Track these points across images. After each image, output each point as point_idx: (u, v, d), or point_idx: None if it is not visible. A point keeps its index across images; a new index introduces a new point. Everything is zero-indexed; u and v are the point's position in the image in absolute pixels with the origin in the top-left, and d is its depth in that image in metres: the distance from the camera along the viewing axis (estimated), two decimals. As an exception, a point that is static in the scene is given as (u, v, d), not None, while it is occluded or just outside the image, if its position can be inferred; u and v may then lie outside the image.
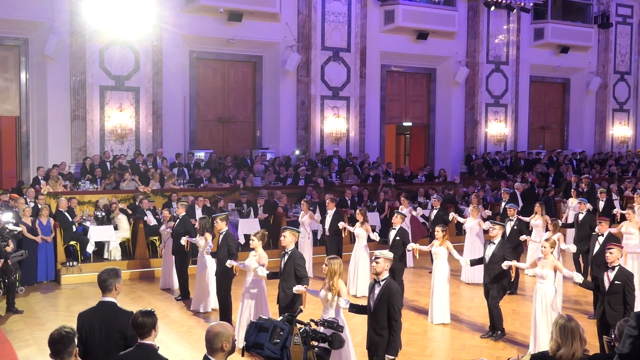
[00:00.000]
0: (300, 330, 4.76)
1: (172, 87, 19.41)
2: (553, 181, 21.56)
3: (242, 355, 6.09)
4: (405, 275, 12.32)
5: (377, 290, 6.83)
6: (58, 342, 4.59)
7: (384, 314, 6.70)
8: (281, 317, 4.84)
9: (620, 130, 27.76)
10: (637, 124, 28.34)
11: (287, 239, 8.69)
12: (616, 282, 8.09)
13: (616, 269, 8.22)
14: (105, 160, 17.66)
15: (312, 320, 5.27)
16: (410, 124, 25.04)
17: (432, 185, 19.37)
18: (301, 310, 5.50)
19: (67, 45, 17.91)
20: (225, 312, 10.26)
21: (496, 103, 24.69)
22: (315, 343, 4.92)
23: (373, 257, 7.08)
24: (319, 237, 16.04)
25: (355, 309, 7.17)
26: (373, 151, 22.46)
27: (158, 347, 5.09)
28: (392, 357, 6.67)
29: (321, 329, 5.36)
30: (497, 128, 24.65)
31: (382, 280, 6.84)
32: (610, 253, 8.35)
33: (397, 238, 11.54)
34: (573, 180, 18.69)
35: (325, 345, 4.98)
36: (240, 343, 8.07)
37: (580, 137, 27.49)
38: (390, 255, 7.13)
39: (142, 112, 18.66)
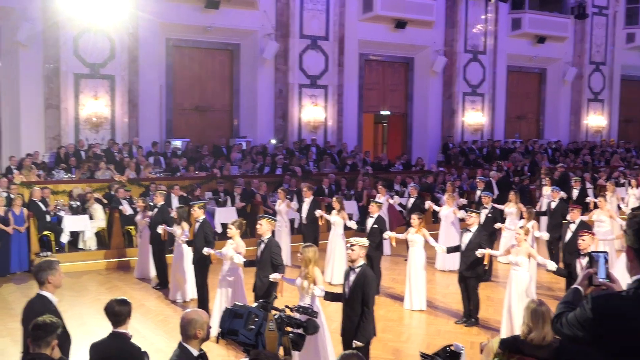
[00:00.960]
0: (275, 317, 4.76)
1: (149, 75, 19.24)
2: (528, 170, 21.76)
3: (217, 342, 6.09)
4: (382, 262, 12.38)
5: (352, 277, 6.85)
6: (40, 328, 4.56)
7: (359, 302, 6.72)
8: (256, 304, 4.83)
9: (594, 120, 28.06)
10: (611, 114, 28.67)
11: (264, 227, 8.69)
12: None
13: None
14: (80, 149, 17.48)
15: (286, 307, 5.28)
16: (388, 112, 25.10)
17: (410, 174, 19.47)
18: (276, 297, 5.51)
19: (40, 32, 17.65)
20: (202, 301, 10.25)
21: (473, 92, 24.81)
22: (290, 329, 4.93)
23: (348, 245, 7.09)
24: (296, 225, 16.04)
25: (330, 296, 7.20)
26: (351, 140, 22.48)
27: (131, 336, 5.07)
28: (361, 344, 6.66)
29: (296, 315, 5.37)
30: (474, 117, 24.79)
31: (357, 268, 6.85)
32: (582, 240, 8.49)
33: (375, 226, 11.60)
34: (542, 174, 18.77)
35: (300, 331, 4.98)
36: (216, 330, 8.08)
37: (555, 127, 27.75)
38: (366, 242, 7.14)
39: (118, 101, 18.47)
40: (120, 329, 5.02)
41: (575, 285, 3.41)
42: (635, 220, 3.01)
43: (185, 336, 4.56)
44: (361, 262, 6.91)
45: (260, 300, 4.97)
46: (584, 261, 8.36)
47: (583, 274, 3.40)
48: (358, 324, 6.72)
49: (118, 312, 4.99)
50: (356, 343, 6.69)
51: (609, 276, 3.32)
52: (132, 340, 5.11)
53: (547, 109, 28.03)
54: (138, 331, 9.51)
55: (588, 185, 19.29)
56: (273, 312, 4.92)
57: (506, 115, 26.56)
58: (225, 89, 21.64)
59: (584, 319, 3.02)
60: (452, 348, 5.80)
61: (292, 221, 15.61)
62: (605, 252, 3.44)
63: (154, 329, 9.83)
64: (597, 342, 3.00)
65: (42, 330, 4.57)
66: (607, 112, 28.45)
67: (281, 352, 4.77)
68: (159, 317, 10.46)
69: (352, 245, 6.97)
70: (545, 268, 9.27)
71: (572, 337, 3.14)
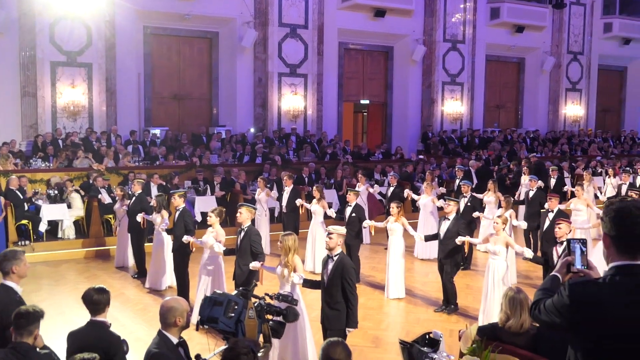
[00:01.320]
0: (255, 304, 4.76)
1: (126, 64, 19.04)
2: (507, 159, 21.90)
3: (197, 330, 6.07)
4: (361, 251, 12.45)
5: (330, 265, 6.90)
6: (22, 316, 4.56)
7: (338, 289, 6.76)
8: (235, 292, 4.83)
9: (572, 110, 28.31)
10: (589, 104, 28.93)
11: (243, 215, 8.70)
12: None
13: (564, 243, 8.42)
14: (58, 137, 17.30)
15: (266, 294, 5.29)
16: (367, 102, 25.11)
17: (389, 163, 19.53)
18: (256, 285, 5.51)
19: (16, 19, 17.40)
20: (183, 289, 10.22)
21: (453, 81, 24.89)
22: (270, 317, 4.94)
23: (326, 233, 7.12)
24: (276, 214, 16.04)
25: (309, 284, 7.26)
26: (331, 129, 22.47)
27: (110, 324, 5.05)
28: (353, 329, 6.79)
29: (275, 303, 5.38)
30: (453, 106, 24.89)
31: (335, 256, 6.90)
32: (559, 228, 8.58)
33: (353, 215, 11.65)
34: (522, 163, 18.84)
35: (280, 318, 4.99)
36: (195, 318, 8.07)
37: (534, 116, 27.96)
38: (343, 230, 7.18)
39: (95, 89, 18.28)
40: (99, 318, 5.00)
41: (553, 273, 3.45)
42: (612, 207, 3.05)
43: (165, 324, 4.55)
44: (339, 250, 6.95)
45: (240, 287, 4.97)
46: (560, 249, 8.47)
47: (562, 262, 3.43)
48: (347, 312, 6.77)
49: (96, 300, 4.97)
50: (349, 330, 6.76)
51: (587, 263, 3.36)
52: (111, 328, 5.09)
53: (525, 98, 28.22)
54: (117, 319, 9.48)
55: (566, 174, 19.50)
56: (253, 299, 4.92)
57: (485, 104, 26.69)
58: (204, 78, 21.51)
59: (561, 305, 3.06)
60: (431, 335, 5.85)
61: (272, 210, 15.63)
62: (584, 240, 3.47)
63: (133, 318, 9.79)
64: (574, 328, 3.04)
65: (25, 319, 4.56)
66: (585, 101, 28.71)
67: (261, 339, 4.78)
68: (138, 306, 10.43)
69: (330, 233, 7.02)
70: (522, 256, 9.37)
71: (549, 323, 3.18)
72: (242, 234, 8.61)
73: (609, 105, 30.96)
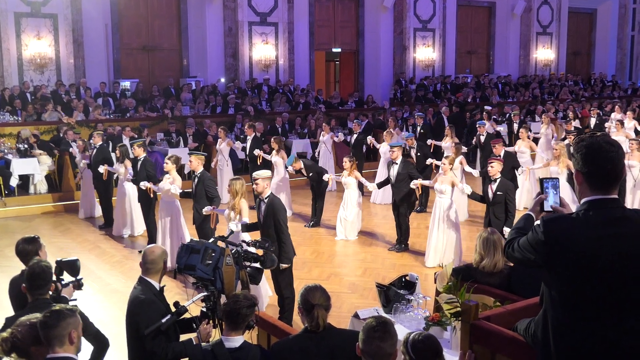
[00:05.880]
0: (232, 251, 4.78)
1: (92, 14, 18.54)
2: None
3: (174, 277, 6.13)
4: (330, 198, 12.59)
5: (262, 207, 7.34)
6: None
7: (272, 228, 7.20)
8: (212, 239, 4.85)
9: (543, 54, 28.31)
10: (559, 47, 28.95)
11: (193, 163, 9.19)
12: (498, 192, 8.89)
13: (498, 181, 8.98)
14: (25, 91, 16.94)
15: (243, 241, 5.32)
16: (339, 50, 24.87)
17: (362, 112, 19.50)
18: (232, 232, 5.55)
19: (-25, -32, 16.80)
20: (152, 236, 10.55)
21: (424, 28, 24.69)
22: (247, 263, 4.97)
23: (252, 179, 7.56)
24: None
25: (245, 227, 7.71)
26: (303, 78, 22.27)
27: None
28: (286, 266, 7.20)
29: (252, 249, 5.42)
30: (425, 53, 24.74)
31: (266, 198, 7.34)
32: (492, 167, 9.13)
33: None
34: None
35: (258, 265, 5.04)
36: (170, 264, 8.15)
37: (505, 61, 27.92)
38: (268, 174, 7.63)
39: (62, 40, 17.83)
40: None
41: (527, 212, 3.50)
42: (583, 144, 3.07)
43: (150, 270, 4.54)
44: (268, 192, 7.39)
45: (217, 236, 5.00)
46: (494, 186, 8.90)
47: (535, 200, 3.48)
48: (279, 248, 7.13)
49: (22, 250, 4.95)
50: (282, 266, 7.10)
51: (559, 201, 3.41)
52: (87, 281, 5.09)
53: (496, 43, 28.08)
54: (93, 272, 9.51)
55: (537, 118, 19.69)
56: (230, 246, 4.94)
57: (456, 50, 26.54)
58: (173, 28, 21.04)
59: (536, 241, 3.10)
60: (407, 278, 5.96)
61: (242, 160, 15.68)
62: (556, 179, 3.51)
63: (109, 270, 9.80)
64: (549, 264, 3.09)
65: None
66: (556, 45, 28.69)
67: (239, 286, 4.81)
68: (114, 259, 10.43)
69: (255, 179, 7.42)
70: (461, 192, 9.76)
71: (524, 261, 3.24)
72: (196, 180, 9.04)
73: (579, 48, 31.03)
